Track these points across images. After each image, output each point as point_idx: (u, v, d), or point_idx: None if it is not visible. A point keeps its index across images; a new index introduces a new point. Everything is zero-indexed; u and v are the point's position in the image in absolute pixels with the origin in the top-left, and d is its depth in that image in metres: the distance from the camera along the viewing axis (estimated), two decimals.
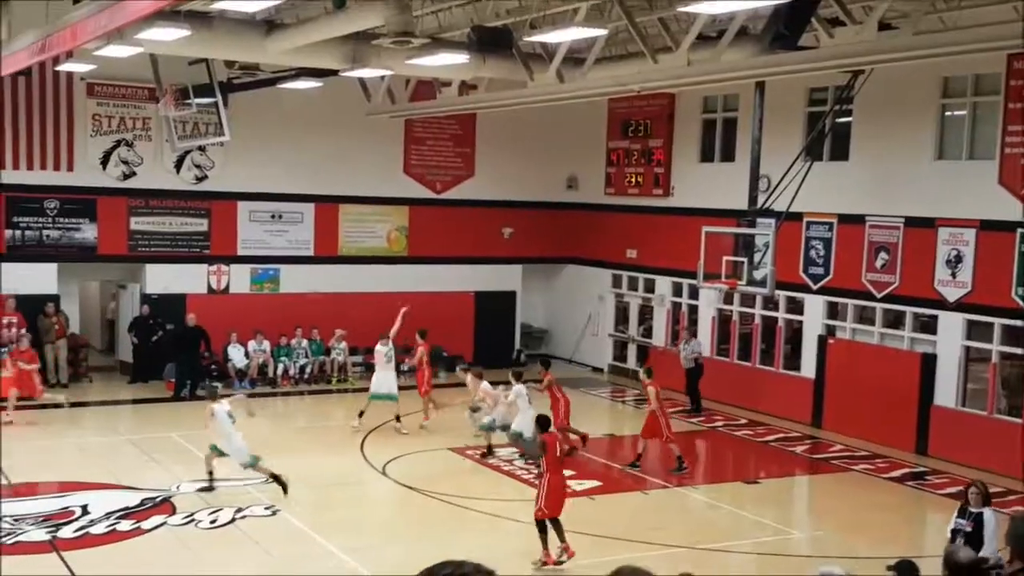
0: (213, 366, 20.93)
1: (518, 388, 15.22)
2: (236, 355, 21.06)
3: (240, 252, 21.89)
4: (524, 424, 14.69)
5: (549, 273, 25.20)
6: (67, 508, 12.75)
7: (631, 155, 22.96)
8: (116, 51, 14.18)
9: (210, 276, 21.65)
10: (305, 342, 21.57)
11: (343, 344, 21.21)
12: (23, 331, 19.40)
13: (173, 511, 12.75)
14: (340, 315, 21.52)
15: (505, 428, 15.44)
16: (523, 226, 24.28)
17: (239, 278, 21.88)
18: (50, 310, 19.98)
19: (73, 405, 18.81)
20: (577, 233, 24.31)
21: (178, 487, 13.70)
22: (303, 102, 20.46)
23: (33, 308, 19.83)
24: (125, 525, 12.23)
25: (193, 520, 12.44)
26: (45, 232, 20.42)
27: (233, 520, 12.48)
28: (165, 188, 21.13)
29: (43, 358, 19.61)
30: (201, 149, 20.98)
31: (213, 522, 12.42)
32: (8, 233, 20.10)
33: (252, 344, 21.16)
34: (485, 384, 15.93)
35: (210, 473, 13.41)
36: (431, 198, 23.58)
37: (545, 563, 10.94)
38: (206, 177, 21.49)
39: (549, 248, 24.59)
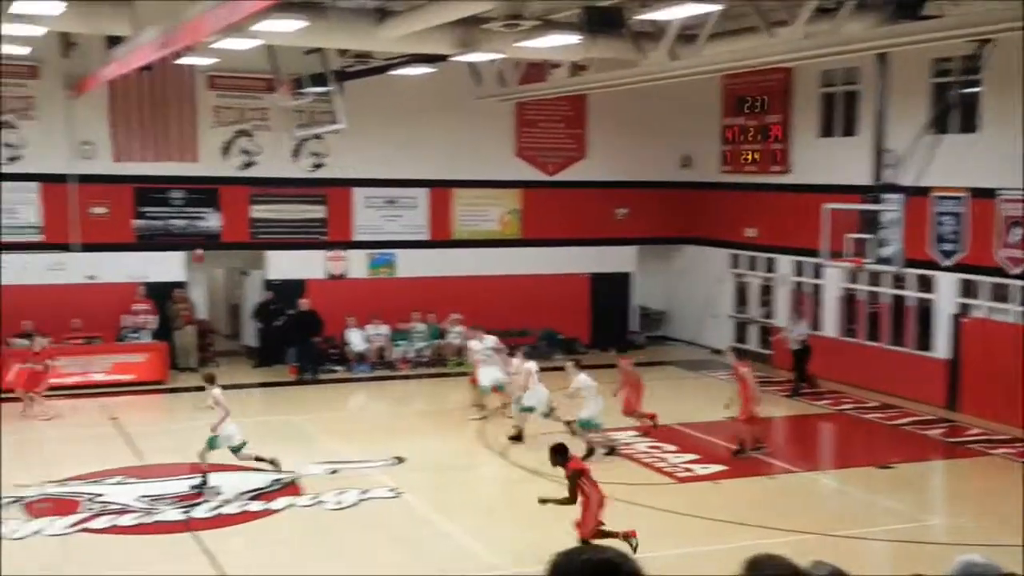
0: (332, 350, 21.53)
1: (582, 378, 14.93)
2: (355, 339, 21.59)
3: (356, 237, 22.42)
4: (594, 411, 14.64)
5: (666, 254, 25.00)
6: (200, 489, 13.32)
7: (747, 132, 22.57)
8: (235, 44, 14.64)
9: (328, 261, 22.24)
10: (422, 326, 21.98)
11: (459, 328, 21.51)
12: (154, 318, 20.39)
13: (300, 492, 13.21)
14: (455, 298, 21.83)
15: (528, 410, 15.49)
16: (637, 206, 24.15)
17: (357, 263, 22.41)
18: (178, 296, 20.83)
19: (202, 389, 19.51)
20: (693, 213, 24.05)
21: (304, 469, 14.18)
22: (415, 88, 20.72)
23: (162, 295, 20.72)
24: (256, 506, 12.72)
25: (320, 501, 12.86)
26: (172, 221, 21.30)
27: (358, 502, 12.86)
28: (283, 176, 21.79)
29: (172, 344, 20.50)
30: (317, 137, 21.49)
31: (339, 503, 12.81)
32: (137, 223, 21.04)
33: (369, 328, 21.67)
34: (530, 364, 15.90)
35: (272, 461, 13.60)
36: (543, 180, 23.65)
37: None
38: (322, 164, 22.06)
39: (664, 228, 24.39)
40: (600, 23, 14.70)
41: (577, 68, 18.48)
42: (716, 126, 23.29)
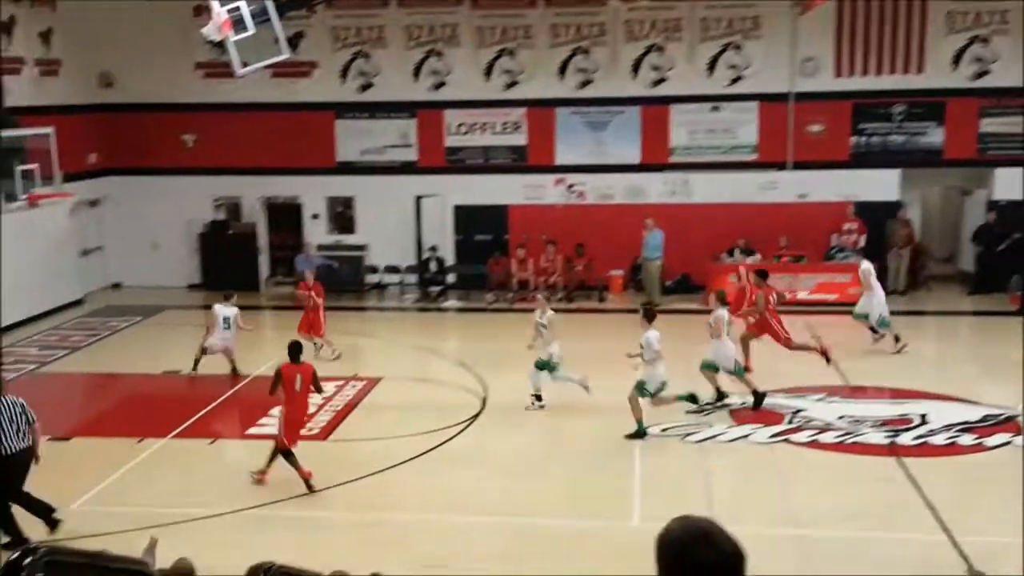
0: None
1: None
2: None
3: None
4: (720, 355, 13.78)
5: None
6: (905, 415, 13.28)
7: None
8: None
9: None
10: None
11: None
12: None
13: (1018, 431, 12.52)
14: None
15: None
16: None
17: None
18: (901, 217, 20.72)
19: (910, 313, 19.19)
20: None
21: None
22: None
23: (872, 215, 20.78)
24: (966, 439, 12.37)
25: None
26: (890, 138, 21.19)
27: None
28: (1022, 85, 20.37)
29: (884, 264, 20.34)
30: None
31: None
32: (853, 140, 21.34)
33: None
34: None
35: (717, 389, 13.90)
36: None
37: (259, 480, 11.31)
38: None
39: None
40: None
41: None
42: None
